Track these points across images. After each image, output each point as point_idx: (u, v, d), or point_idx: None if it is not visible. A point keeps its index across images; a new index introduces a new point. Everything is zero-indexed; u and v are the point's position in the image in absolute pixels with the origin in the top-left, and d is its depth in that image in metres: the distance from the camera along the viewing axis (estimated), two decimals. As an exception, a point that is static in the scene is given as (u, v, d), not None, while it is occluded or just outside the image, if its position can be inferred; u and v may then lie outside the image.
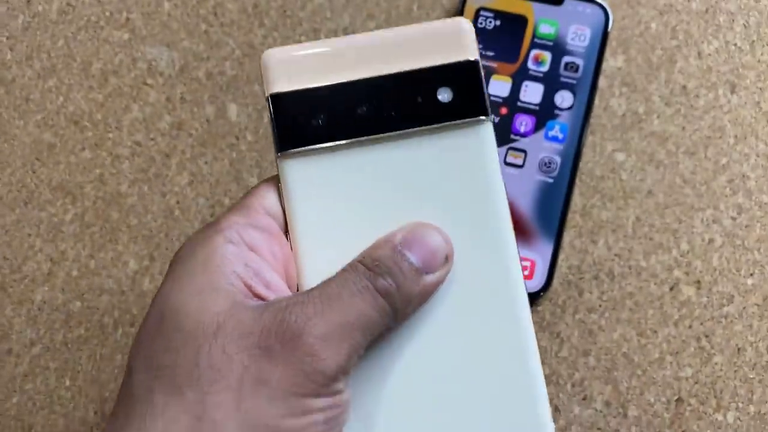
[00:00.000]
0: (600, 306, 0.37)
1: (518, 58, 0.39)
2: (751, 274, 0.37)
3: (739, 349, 0.36)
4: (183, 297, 0.21)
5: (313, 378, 0.20)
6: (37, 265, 0.39)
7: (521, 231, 0.37)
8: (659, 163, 0.38)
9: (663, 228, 0.37)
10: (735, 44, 0.40)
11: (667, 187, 0.38)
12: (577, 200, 0.38)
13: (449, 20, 0.25)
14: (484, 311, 0.24)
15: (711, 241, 0.37)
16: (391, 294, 0.21)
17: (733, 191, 0.38)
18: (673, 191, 0.38)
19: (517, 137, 0.38)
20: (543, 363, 0.36)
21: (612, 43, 0.40)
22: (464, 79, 0.24)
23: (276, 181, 0.24)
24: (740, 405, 0.35)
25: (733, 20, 0.40)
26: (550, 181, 0.37)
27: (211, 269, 0.21)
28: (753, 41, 0.40)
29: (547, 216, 0.37)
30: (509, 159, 0.38)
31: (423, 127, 0.24)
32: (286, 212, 0.24)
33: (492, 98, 0.39)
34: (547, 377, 0.36)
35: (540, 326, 0.37)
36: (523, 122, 0.38)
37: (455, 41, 0.25)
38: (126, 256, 0.39)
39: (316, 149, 0.24)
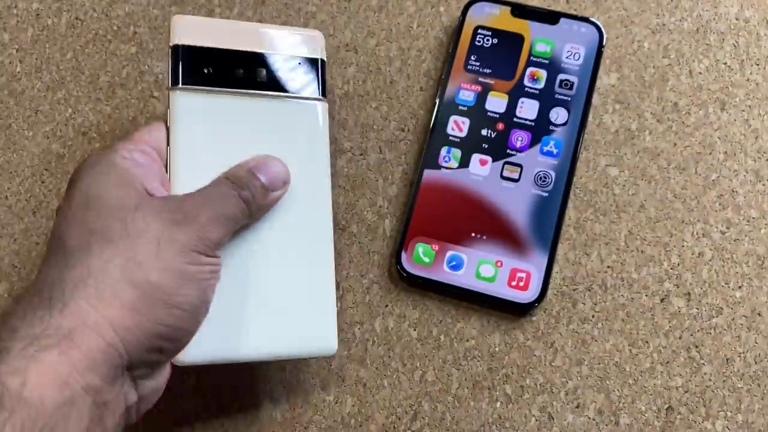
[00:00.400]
0: (593, 317, 0.38)
1: (514, 76, 0.40)
2: (740, 287, 0.38)
3: (727, 360, 0.37)
4: (103, 187, 0.29)
5: (205, 243, 0.29)
6: (44, 273, 0.40)
7: (517, 243, 0.38)
8: (651, 178, 0.40)
9: (654, 241, 0.39)
10: (725, 63, 0.41)
11: (659, 201, 0.39)
12: (571, 214, 0.39)
13: (311, 30, 0.36)
14: (300, 225, 0.34)
15: (701, 254, 0.38)
16: (249, 202, 0.31)
17: (722, 206, 0.39)
18: (665, 206, 0.39)
19: (513, 152, 0.39)
20: (537, 372, 0.37)
21: (606, 61, 0.41)
22: (312, 69, 0.35)
23: (161, 120, 0.33)
24: (729, 414, 0.36)
25: (723, 40, 0.41)
26: (545, 194, 0.39)
27: (117, 172, 0.30)
28: (742, 60, 0.41)
29: (542, 229, 0.38)
30: (505, 173, 0.39)
31: (279, 94, 0.34)
32: (169, 133, 0.33)
33: (489, 114, 0.40)
34: (541, 386, 0.37)
35: (535, 336, 0.38)
36: (519, 137, 0.39)
37: (313, 44, 0.35)
38: (132, 264, 0.40)
39: (199, 89, 0.33)
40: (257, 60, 0.34)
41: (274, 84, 0.34)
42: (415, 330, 0.38)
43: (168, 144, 0.33)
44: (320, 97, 0.35)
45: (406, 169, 0.40)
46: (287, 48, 0.35)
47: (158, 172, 0.32)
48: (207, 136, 0.33)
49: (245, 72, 0.34)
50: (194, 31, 0.34)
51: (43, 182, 0.42)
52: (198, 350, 0.31)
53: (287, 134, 0.34)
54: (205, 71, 0.33)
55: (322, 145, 0.35)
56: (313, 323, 0.33)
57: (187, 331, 0.30)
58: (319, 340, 0.33)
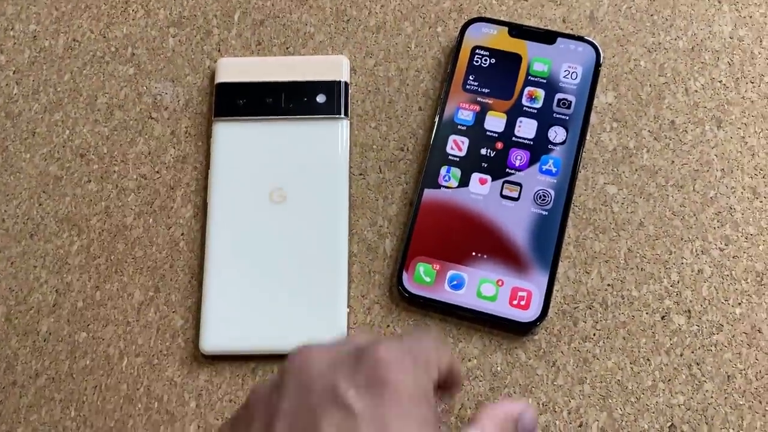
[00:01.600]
0: (594, 335, 0.38)
1: (513, 95, 0.40)
2: (739, 304, 0.38)
3: (728, 377, 0.37)
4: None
5: None
6: (42, 297, 0.40)
7: (518, 262, 0.38)
8: (649, 195, 0.40)
9: (654, 259, 0.39)
10: (720, 81, 0.42)
11: (657, 219, 0.39)
12: (570, 232, 0.39)
13: (336, 56, 0.42)
14: (319, 229, 0.39)
15: (700, 271, 0.39)
16: None
17: (720, 223, 0.39)
18: (663, 223, 0.39)
19: (512, 171, 0.39)
20: (540, 391, 0.37)
21: (603, 80, 0.42)
22: (335, 91, 0.41)
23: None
24: (731, 431, 0.36)
25: (718, 58, 0.42)
26: (545, 213, 0.39)
27: None
28: (737, 78, 0.41)
29: (542, 247, 0.38)
30: (505, 192, 0.39)
31: (306, 116, 0.40)
32: (211, 156, 0.40)
33: (488, 133, 0.40)
34: (543, 405, 0.37)
35: (536, 355, 0.38)
36: (518, 157, 0.40)
37: (336, 68, 0.41)
38: (131, 287, 0.40)
39: (236, 119, 0.41)
40: (285, 88, 0.41)
41: (300, 107, 0.40)
42: (416, 350, 0.38)
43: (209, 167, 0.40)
44: (342, 115, 0.40)
45: (406, 188, 0.40)
46: (312, 74, 0.41)
47: None
48: (242, 158, 0.40)
49: (274, 100, 0.41)
50: (233, 69, 0.41)
51: (40, 204, 0.41)
52: (218, 340, 0.37)
53: (312, 150, 0.40)
54: (240, 102, 0.41)
55: (343, 157, 0.40)
56: (327, 322, 0.38)
57: None
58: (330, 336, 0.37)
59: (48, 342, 0.39)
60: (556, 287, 0.38)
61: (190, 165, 0.41)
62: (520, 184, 0.39)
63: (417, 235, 0.39)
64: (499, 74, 0.41)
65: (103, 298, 0.40)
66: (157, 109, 0.43)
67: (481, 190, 0.39)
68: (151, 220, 0.41)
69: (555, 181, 0.39)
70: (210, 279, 0.38)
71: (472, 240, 0.38)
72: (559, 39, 0.41)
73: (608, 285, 0.39)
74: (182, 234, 0.40)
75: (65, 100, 0.43)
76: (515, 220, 0.38)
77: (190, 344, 0.39)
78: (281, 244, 0.39)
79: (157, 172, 0.42)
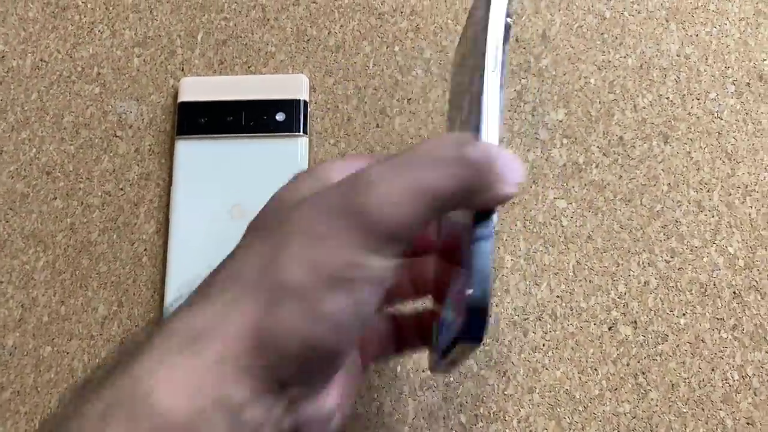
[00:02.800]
0: (543, 345, 0.39)
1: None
2: (684, 314, 0.39)
3: (673, 385, 0.38)
4: (289, 189, 0.26)
5: (376, 235, 0.22)
6: (8, 312, 0.41)
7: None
8: (598, 209, 0.41)
9: (602, 271, 0.40)
10: (667, 98, 0.43)
11: (606, 232, 0.41)
12: (521, 245, 0.40)
13: (296, 75, 0.43)
14: None
15: (646, 283, 0.40)
16: (476, 172, 0.22)
17: (666, 236, 0.41)
18: (611, 236, 0.41)
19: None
20: (490, 401, 0.38)
21: (554, 98, 0.43)
22: (294, 109, 0.42)
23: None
24: (675, 438, 0.38)
25: (665, 75, 0.43)
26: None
27: (312, 176, 0.26)
28: (684, 95, 0.43)
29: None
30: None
31: (266, 134, 0.41)
32: (173, 173, 0.41)
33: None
34: (494, 414, 0.38)
35: (488, 365, 0.39)
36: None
37: (296, 87, 0.43)
38: (95, 302, 0.41)
39: (197, 137, 0.42)
40: (245, 106, 0.42)
41: (260, 125, 0.42)
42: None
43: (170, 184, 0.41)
44: (301, 133, 0.42)
45: (363, 204, 0.42)
46: (272, 92, 0.42)
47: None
48: (204, 175, 0.41)
49: (235, 118, 0.42)
50: (195, 88, 0.43)
51: (7, 221, 0.42)
52: None
53: (272, 167, 0.41)
54: (203, 121, 0.42)
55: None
56: None
57: (336, 350, 0.23)
58: None
59: (13, 356, 0.40)
60: (507, 299, 0.40)
61: (153, 182, 0.43)
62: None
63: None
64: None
65: (68, 313, 0.41)
66: (121, 128, 0.44)
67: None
68: (115, 236, 0.42)
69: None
70: (172, 293, 0.39)
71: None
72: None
73: (557, 297, 0.40)
74: (145, 249, 0.41)
75: (32, 118, 0.44)
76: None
77: (151, 357, 0.40)
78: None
79: (122, 189, 0.43)
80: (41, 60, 0.45)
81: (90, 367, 0.40)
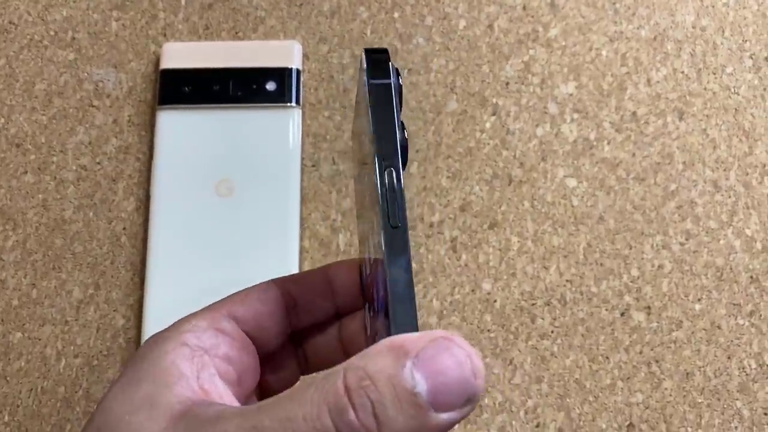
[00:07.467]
0: (552, 332, 0.37)
1: (471, 84, 0.39)
2: (699, 300, 0.37)
3: (687, 374, 0.36)
4: (123, 412, 0.21)
5: None
6: (-26, 295, 0.38)
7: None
8: (610, 189, 0.39)
9: (614, 254, 0.38)
10: (682, 72, 0.41)
11: (618, 213, 0.38)
12: (528, 226, 0.38)
13: (288, 41, 0.40)
14: (269, 219, 0.37)
15: (660, 267, 0.38)
16: None
17: (681, 217, 0.38)
18: (624, 217, 0.38)
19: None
20: (496, 390, 0.36)
21: (563, 70, 0.40)
22: (286, 78, 0.39)
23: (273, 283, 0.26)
24: (689, 430, 0.36)
25: (680, 48, 0.41)
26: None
27: (158, 376, 0.21)
28: (699, 69, 0.41)
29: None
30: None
31: (256, 104, 0.38)
32: (154, 146, 0.38)
33: (445, 124, 0.39)
34: (500, 404, 0.36)
35: (493, 353, 0.37)
36: (476, 148, 0.38)
37: (288, 54, 0.39)
38: (70, 284, 0.38)
39: (181, 107, 0.39)
40: (233, 75, 0.39)
41: (249, 95, 0.38)
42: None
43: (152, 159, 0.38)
44: (293, 104, 0.38)
45: (360, 181, 0.39)
46: (262, 60, 0.39)
47: (234, 359, 0.23)
48: (187, 148, 0.38)
49: (222, 87, 0.38)
50: (178, 55, 0.39)
51: (-27, 197, 0.39)
52: None
53: (262, 140, 0.38)
54: (186, 90, 0.38)
55: (294, 148, 0.38)
56: None
57: None
58: None
59: (-20, 343, 0.37)
60: (513, 283, 0.37)
61: (132, 156, 0.39)
62: (477, 177, 0.38)
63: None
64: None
65: (40, 296, 0.38)
66: (98, 97, 0.41)
67: (437, 182, 0.38)
68: (91, 213, 0.39)
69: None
70: (153, 276, 0.37)
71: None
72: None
73: (567, 281, 0.38)
74: (124, 228, 0.38)
75: (0, 86, 0.41)
76: (472, 214, 0.37)
77: (131, 344, 0.37)
78: (228, 239, 0.37)
79: (98, 163, 0.39)
80: (10, 23, 0.42)
81: (64, 354, 0.37)
